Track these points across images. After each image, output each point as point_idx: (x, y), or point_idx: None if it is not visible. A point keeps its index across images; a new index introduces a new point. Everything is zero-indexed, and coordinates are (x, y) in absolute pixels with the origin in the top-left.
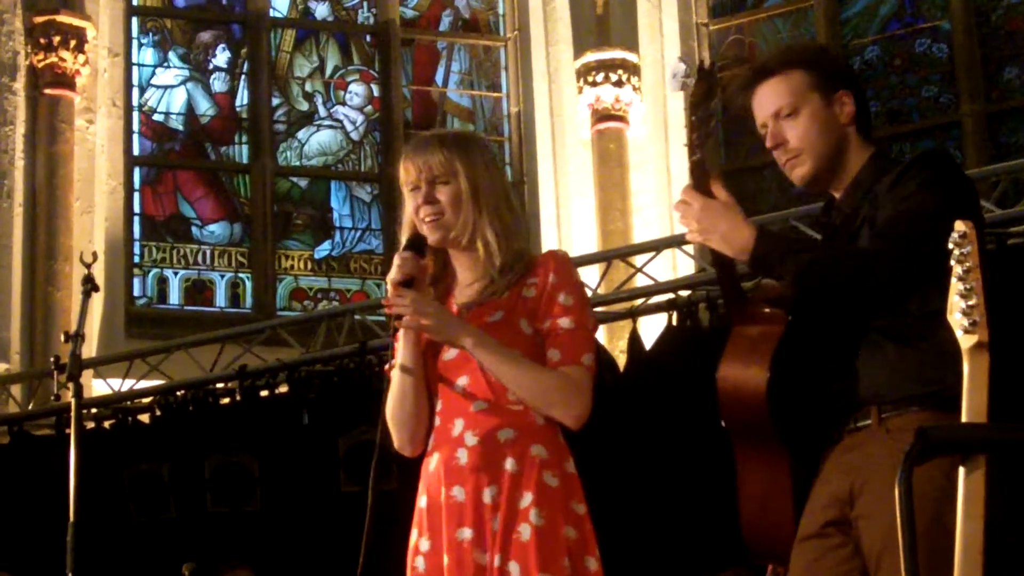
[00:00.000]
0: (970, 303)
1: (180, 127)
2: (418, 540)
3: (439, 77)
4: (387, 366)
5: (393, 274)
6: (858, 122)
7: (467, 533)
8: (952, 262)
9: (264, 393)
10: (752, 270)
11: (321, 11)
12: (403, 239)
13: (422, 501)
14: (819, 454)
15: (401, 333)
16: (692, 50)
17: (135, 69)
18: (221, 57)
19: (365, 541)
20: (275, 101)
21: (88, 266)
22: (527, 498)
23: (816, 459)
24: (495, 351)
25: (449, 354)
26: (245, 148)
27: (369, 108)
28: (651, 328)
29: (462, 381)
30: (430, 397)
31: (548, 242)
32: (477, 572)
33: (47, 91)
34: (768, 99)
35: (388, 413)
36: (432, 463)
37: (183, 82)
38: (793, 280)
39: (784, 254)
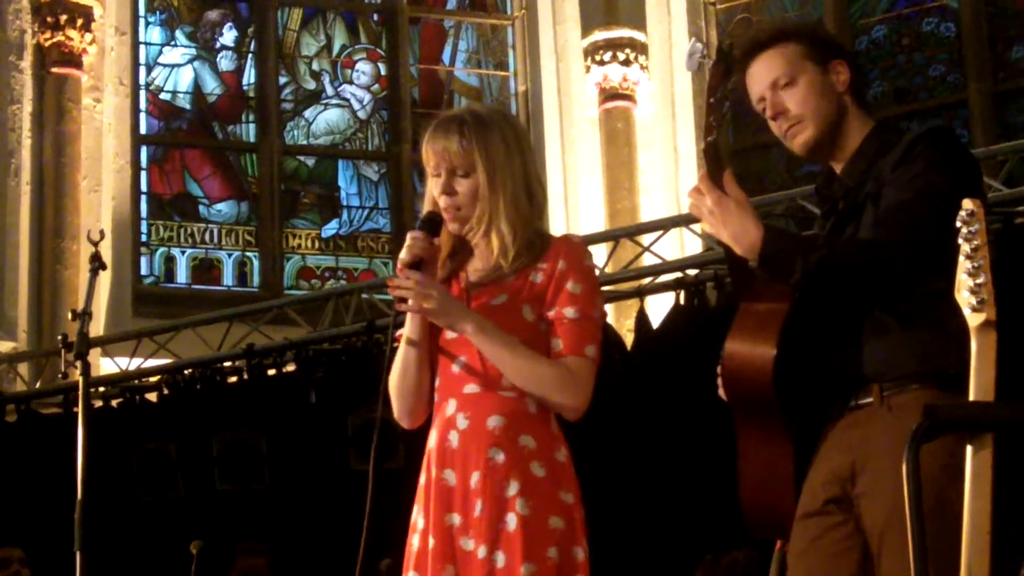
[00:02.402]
0: (978, 281)
1: (187, 106)
2: (416, 517)
3: (446, 56)
4: (395, 335)
5: (403, 254)
6: (855, 92)
7: (456, 519)
8: (960, 240)
9: (271, 372)
10: (760, 269)
11: None
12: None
13: (422, 478)
14: (820, 431)
15: None
16: (700, 29)
17: (142, 48)
18: (228, 36)
19: (367, 521)
20: (282, 80)
21: (95, 244)
22: (513, 487)
23: (817, 436)
24: (495, 339)
25: (451, 332)
26: (252, 127)
27: (376, 87)
28: (658, 307)
29: (460, 361)
30: (432, 373)
31: (555, 221)
32: (462, 558)
33: (54, 70)
34: (764, 71)
35: (390, 384)
36: (431, 440)
37: (190, 61)
38: (803, 279)
39: (792, 254)
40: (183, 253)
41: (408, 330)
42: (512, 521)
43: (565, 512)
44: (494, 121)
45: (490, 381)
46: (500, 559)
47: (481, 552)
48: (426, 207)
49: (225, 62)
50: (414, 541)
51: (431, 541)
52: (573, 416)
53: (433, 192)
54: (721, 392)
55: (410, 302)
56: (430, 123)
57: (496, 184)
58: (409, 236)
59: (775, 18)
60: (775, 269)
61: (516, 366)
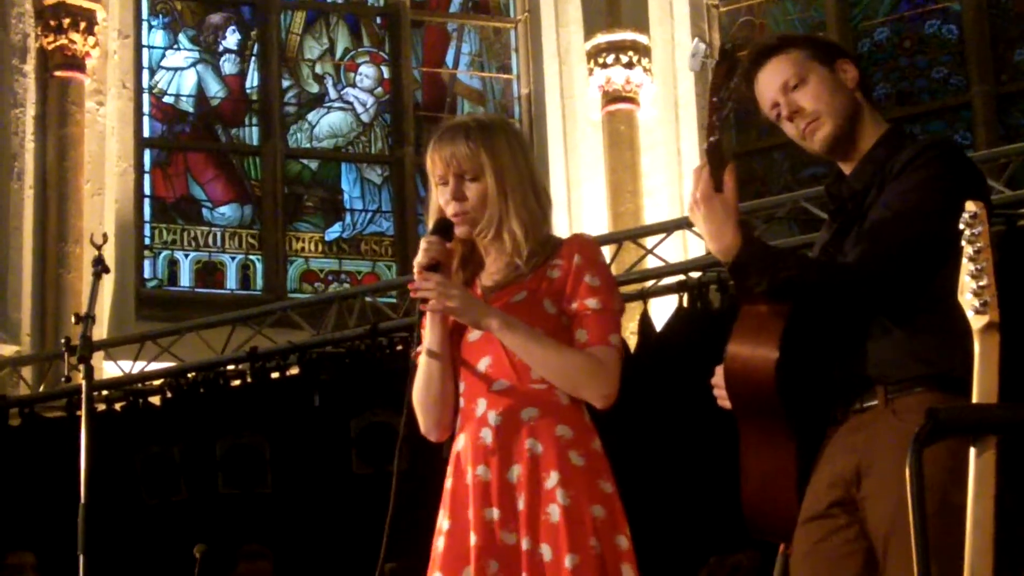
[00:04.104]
0: (981, 284)
1: (190, 109)
2: (442, 521)
3: (449, 59)
4: (414, 352)
5: (419, 258)
6: (864, 91)
7: (495, 513)
8: (963, 242)
9: (275, 375)
10: (729, 274)
11: None
12: (429, 223)
13: (448, 482)
14: (824, 434)
15: (428, 318)
16: (703, 31)
17: (145, 51)
18: (231, 39)
19: (388, 526)
20: (285, 83)
21: (99, 248)
22: (553, 478)
23: (821, 439)
24: (521, 333)
25: (473, 335)
26: (255, 130)
27: (379, 90)
28: (662, 310)
29: (484, 361)
30: (455, 382)
31: (559, 224)
32: (504, 552)
33: (57, 73)
34: (773, 76)
35: (415, 398)
36: (459, 443)
37: (193, 64)
38: (767, 291)
39: (761, 270)
40: (186, 256)
41: (428, 342)
42: (555, 512)
43: (606, 501)
44: (497, 126)
45: (519, 375)
46: (546, 552)
47: (525, 544)
48: (432, 217)
49: (228, 65)
50: (439, 543)
51: (472, 537)
52: (604, 404)
53: (439, 201)
54: (722, 403)
55: (432, 302)
56: (433, 127)
57: (505, 186)
58: (424, 240)
59: (778, 23)
60: (742, 277)
61: (545, 357)
